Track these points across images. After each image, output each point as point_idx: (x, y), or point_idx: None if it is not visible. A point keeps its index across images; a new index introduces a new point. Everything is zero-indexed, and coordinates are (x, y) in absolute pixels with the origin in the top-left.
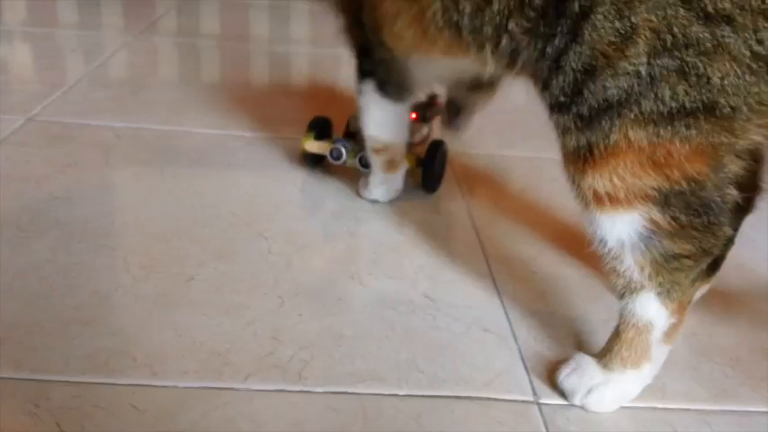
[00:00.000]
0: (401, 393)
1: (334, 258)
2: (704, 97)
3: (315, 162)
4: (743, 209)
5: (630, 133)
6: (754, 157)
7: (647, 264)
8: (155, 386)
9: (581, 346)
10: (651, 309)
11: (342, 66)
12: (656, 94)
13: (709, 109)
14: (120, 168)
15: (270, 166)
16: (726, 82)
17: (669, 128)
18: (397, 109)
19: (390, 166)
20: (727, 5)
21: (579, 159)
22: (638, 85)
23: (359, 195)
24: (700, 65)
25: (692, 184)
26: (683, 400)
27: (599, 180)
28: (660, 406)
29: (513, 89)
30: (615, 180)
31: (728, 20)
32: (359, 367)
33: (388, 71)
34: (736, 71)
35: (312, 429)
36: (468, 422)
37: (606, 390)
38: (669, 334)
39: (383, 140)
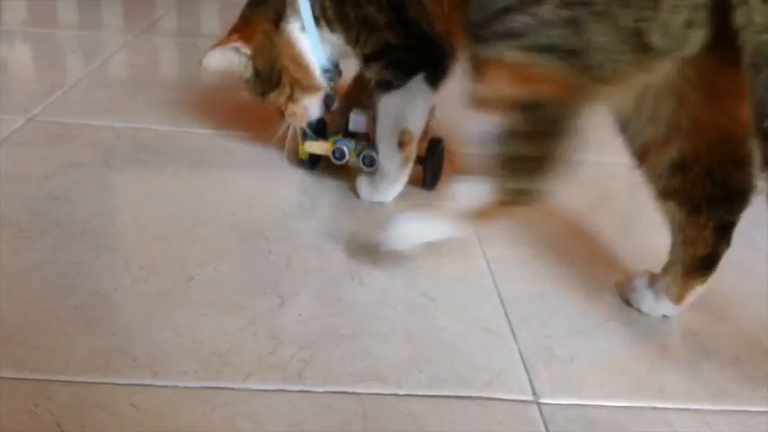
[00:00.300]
0: (401, 393)
1: (334, 258)
2: (578, 46)
3: (312, 164)
4: (738, 202)
5: (515, 54)
6: (743, 153)
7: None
8: (155, 386)
9: (580, 345)
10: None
11: None
12: (547, 34)
13: (575, 55)
14: (120, 168)
15: (269, 166)
16: (600, 41)
17: (544, 57)
18: (432, 98)
19: (409, 159)
20: None
21: (474, 70)
22: (540, 24)
23: (360, 197)
24: (587, 21)
25: (548, 101)
26: (683, 399)
27: (480, 86)
28: (660, 405)
29: None
30: (493, 86)
31: None
32: (359, 367)
33: (443, 62)
34: (612, 37)
35: (312, 429)
36: (468, 422)
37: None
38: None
39: (415, 132)
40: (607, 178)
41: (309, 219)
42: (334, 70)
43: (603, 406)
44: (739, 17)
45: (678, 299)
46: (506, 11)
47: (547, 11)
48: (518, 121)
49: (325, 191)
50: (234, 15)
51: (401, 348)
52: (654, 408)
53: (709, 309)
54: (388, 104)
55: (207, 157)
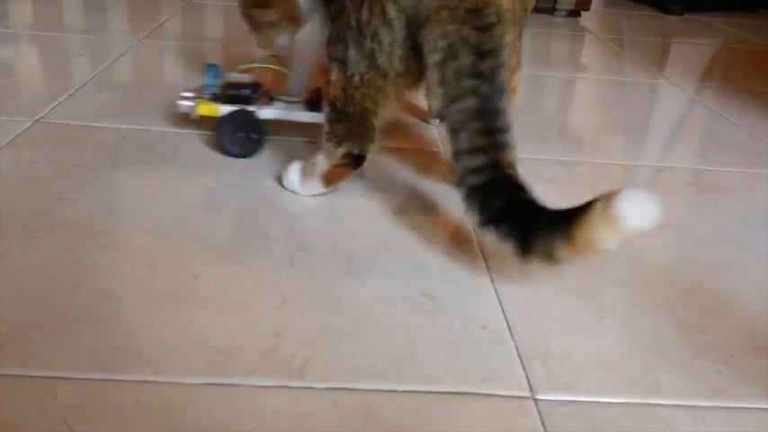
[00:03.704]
0: (401, 389)
1: (335, 257)
2: (344, 58)
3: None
4: None
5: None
6: None
7: (323, 135)
8: (160, 382)
9: (576, 342)
10: (319, 159)
11: None
12: (335, 47)
13: (344, 65)
14: (125, 169)
15: (272, 166)
16: (353, 56)
17: (333, 65)
18: None
19: None
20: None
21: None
22: (335, 39)
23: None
24: (348, 42)
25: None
26: (678, 396)
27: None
28: (655, 402)
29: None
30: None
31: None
32: (359, 364)
33: None
34: (360, 56)
35: (313, 424)
36: (466, 417)
37: (291, 175)
38: (324, 176)
39: None
40: (602, 179)
41: (311, 219)
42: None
43: (599, 402)
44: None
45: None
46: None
47: (335, 29)
48: (329, 109)
49: (326, 192)
50: (237, 19)
51: (401, 345)
52: (649, 404)
53: (703, 307)
54: None
55: (211, 158)
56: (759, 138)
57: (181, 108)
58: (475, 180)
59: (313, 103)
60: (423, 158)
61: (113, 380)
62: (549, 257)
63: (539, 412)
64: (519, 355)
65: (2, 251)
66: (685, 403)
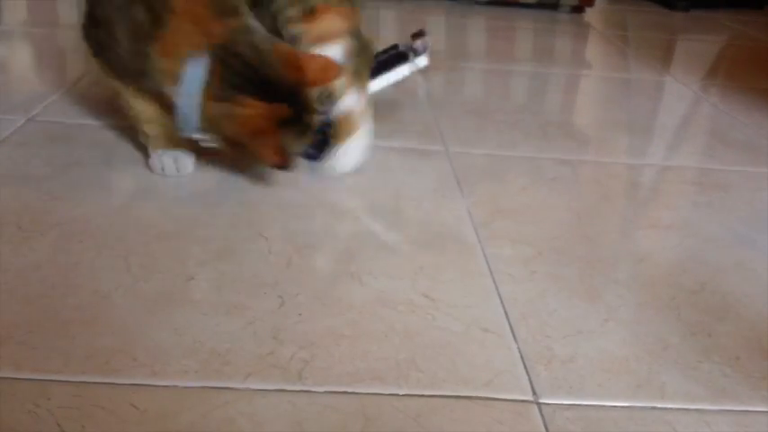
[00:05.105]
0: (401, 393)
1: (334, 258)
2: None
3: None
4: None
5: None
6: None
7: None
8: (155, 386)
9: (580, 345)
10: None
11: None
12: None
13: None
14: (119, 168)
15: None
16: None
17: None
18: None
19: None
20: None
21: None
22: None
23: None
24: None
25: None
26: (683, 399)
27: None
28: (660, 406)
29: (514, 91)
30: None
31: None
32: (359, 367)
33: None
34: None
35: (312, 429)
36: (467, 422)
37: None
38: None
39: None
40: (607, 178)
41: (309, 219)
42: None
43: (603, 406)
44: None
45: None
46: None
47: None
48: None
49: (325, 191)
50: None
51: (401, 348)
52: (654, 408)
53: (709, 308)
54: None
55: (207, 157)
56: (766, 136)
57: None
58: None
59: None
60: (420, 158)
61: (108, 383)
62: None
63: (542, 416)
64: (522, 358)
65: None
66: (690, 407)
